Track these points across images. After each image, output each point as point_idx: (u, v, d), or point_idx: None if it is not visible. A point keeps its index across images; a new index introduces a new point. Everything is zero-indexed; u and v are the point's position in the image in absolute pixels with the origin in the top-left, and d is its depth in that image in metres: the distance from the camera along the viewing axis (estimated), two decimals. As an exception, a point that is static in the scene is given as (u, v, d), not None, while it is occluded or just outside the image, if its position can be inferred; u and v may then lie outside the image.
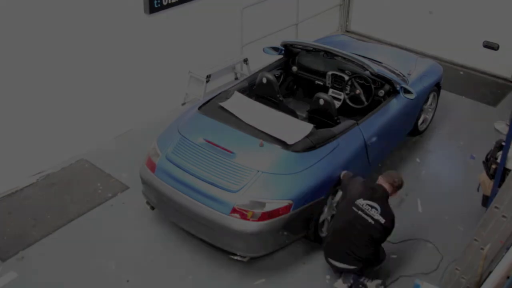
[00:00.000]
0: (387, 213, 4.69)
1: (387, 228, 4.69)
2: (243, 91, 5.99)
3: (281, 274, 5.08)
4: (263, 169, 4.88)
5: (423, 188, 6.27)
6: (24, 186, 6.00)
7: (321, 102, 5.72)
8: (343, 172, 5.20)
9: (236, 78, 8.28)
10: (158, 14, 6.73)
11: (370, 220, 4.63)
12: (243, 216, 4.72)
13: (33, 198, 5.87)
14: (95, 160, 6.44)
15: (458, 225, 5.70)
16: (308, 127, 5.21)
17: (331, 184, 5.16)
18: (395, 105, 6.13)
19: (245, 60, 8.05)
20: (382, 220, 4.62)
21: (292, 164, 4.98)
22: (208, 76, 7.45)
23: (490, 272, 3.72)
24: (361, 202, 4.70)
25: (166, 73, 7.24)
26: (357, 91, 6.34)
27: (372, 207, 4.66)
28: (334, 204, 5.38)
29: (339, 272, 4.89)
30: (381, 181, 4.84)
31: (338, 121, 5.73)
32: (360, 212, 4.67)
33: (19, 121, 5.82)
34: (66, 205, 5.78)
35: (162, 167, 5.14)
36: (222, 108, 5.52)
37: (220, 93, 5.89)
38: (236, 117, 5.38)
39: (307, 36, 8.79)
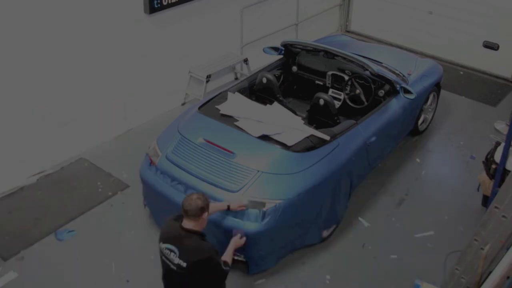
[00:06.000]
0: (190, 252, 3.81)
1: (196, 270, 3.81)
2: (243, 91, 5.99)
3: (281, 274, 5.07)
4: (263, 169, 4.88)
5: (423, 188, 6.27)
6: (24, 185, 6.01)
7: (321, 102, 5.72)
8: None
9: (236, 78, 8.28)
10: (158, 14, 6.73)
11: (172, 265, 3.86)
12: (243, 216, 4.71)
13: (33, 198, 5.88)
14: (95, 159, 6.45)
15: (458, 225, 5.69)
16: (308, 130, 5.22)
17: (331, 184, 5.16)
18: (395, 105, 6.14)
19: (245, 60, 8.05)
20: (184, 264, 3.78)
21: (292, 164, 4.97)
22: (208, 76, 7.45)
23: (490, 272, 3.73)
24: (161, 246, 3.92)
25: (166, 73, 7.24)
26: (357, 91, 6.35)
27: (171, 250, 3.85)
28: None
29: None
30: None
31: (338, 121, 5.74)
32: (163, 258, 3.93)
33: (19, 121, 5.82)
34: (66, 205, 5.78)
35: (162, 167, 5.15)
36: (221, 109, 5.54)
37: (220, 93, 5.89)
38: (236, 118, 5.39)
39: (307, 36, 8.81)
